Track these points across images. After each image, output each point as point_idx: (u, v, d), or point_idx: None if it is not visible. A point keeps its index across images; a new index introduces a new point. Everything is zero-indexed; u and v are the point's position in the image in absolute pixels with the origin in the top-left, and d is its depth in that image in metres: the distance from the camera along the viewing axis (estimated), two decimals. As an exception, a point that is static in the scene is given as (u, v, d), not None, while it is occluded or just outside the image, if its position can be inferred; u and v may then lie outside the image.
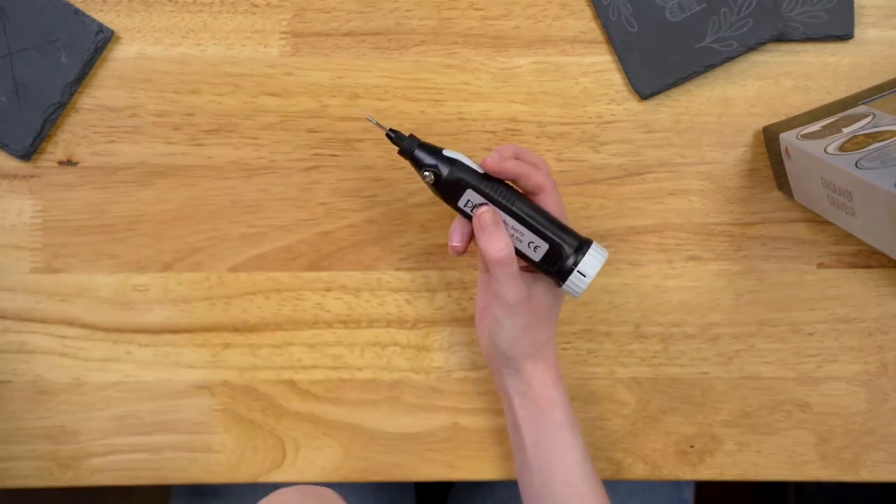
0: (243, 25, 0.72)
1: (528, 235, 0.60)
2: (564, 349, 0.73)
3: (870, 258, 0.72)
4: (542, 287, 0.63)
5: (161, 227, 0.72)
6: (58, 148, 0.72)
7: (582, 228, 0.72)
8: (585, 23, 0.72)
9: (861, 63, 0.71)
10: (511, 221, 0.60)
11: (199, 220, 0.73)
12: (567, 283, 0.60)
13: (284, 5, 0.72)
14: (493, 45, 0.72)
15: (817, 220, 0.72)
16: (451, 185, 0.60)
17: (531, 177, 0.60)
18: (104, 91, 0.72)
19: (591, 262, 0.60)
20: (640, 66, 0.71)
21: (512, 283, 0.60)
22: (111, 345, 0.73)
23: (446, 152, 0.60)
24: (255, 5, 0.72)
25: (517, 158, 0.61)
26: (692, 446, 0.73)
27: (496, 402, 0.73)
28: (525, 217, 0.60)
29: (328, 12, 0.72)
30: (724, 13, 0.70)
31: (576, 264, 0.60)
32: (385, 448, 0.73)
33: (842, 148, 0.61)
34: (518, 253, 0.61)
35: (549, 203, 0.61)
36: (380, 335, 0.73)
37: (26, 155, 0.70)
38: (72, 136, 0.72)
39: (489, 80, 0.72)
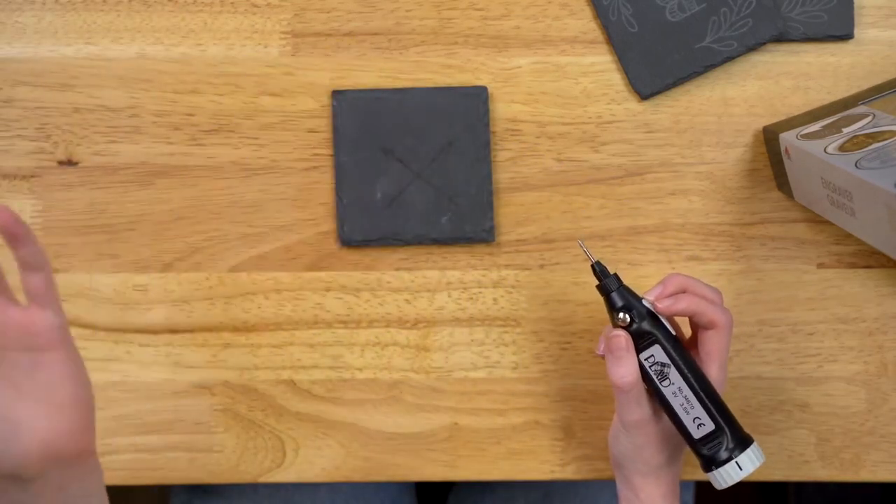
0: (243, 25, 0.72)
1: (698, 410, 0.59)
2: (564, 349, 0.73)
3: (870, 258, 0.72)
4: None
5: (161, 227, 0.72)
6: (58, 148, 0.72)
7: (582, 228, 0.72)
8: (585, 23, 0.72)
9: (861, 63, 0.71)
10: (686, 391, 0.59)
11: (199, 220, 0.73)
12: (716, 472, 0.59)
13: (284, 5, 0.72)
14: (493, 45, 0.72)
15: (817, 220, 0.72)
16: (641, 335, 0.60)
17: (704, 314, 0.60)
18: (104, 91, 0.72)
19: (751, 459, 0.59)
20: (640, 66, 0.71)
21: (630, 407, 0.60)
22: (111, 345, 0.73)
23: (645, 303, 0.60)
24: (255, 5, 0.72)
25: (685, 291, 0.60)
26: (692, 446, 0.73)
27: (496, 402, 0.73)
28: (700, 393, 0.59)
29: (328, 12, 0.72)
30: (723, 13, 0.70)
31: (731, 458, 0.59)
32: (385, 448, 0.73)
33: (842, 148, 0.61)
34: (675, 420, 0.60)
35: (717, 343, 0.60)
36: (380, 335, 0.73)
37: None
38: (72, 136, 0.72)
39: (489, 80, 0.72)
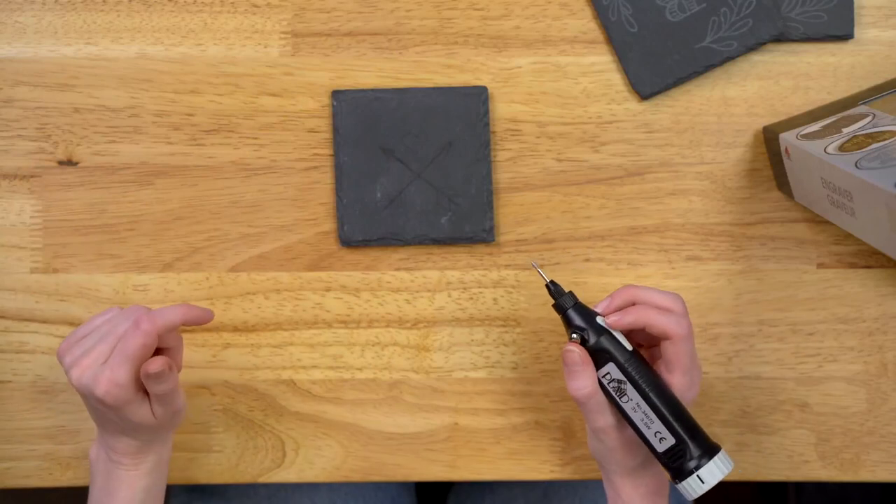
0: (243, 25, 0.72)
1: (657, 425, 0.59)
2: (564, 349, 0.73)
3: (870, 258, 0.72)
4: None
5: (161, 227, 0.72)
6: (58, 148, 0.72)
7: (582, 228, 0.72)
8: (585, 23, 0.72)
9: (861, 63, 0.71)
10: (644, 407, 0.59)
11: (199, 220, 0.73)
12: (682, 484, 0.59)
13: (284, 5, 0.72)
14: (493, 45, 0.72)
15: (817, 220, 0.72)
16: (595, 353, 0.60)
17: (655, 325, 0.59)
18: (104, 91, 0.72)
19: (713, 471, 0.59)
20: (640, 66, 0.71)
21: (594, 416, 0.60)
22: (111, 345, 0.73)
23: (599, 320, 0.60)
24: (255, 5, 0.72)
25: (635, 303, 0.60)
26: (692, 446, 0.73)
27: (496, 402, 0.73)
28: (659, 406, 0.59)
29: (328, 12, 0.72)
30: (723, 13, 0.70)
31: (697, 468, 0.59)
32: (385, 448, 0.73)
33: (842, 148, 0.61)
34: (638, 433, 0.60)
35: (675, 353, 0.60)
36: (380, 335, 0.73)
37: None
38: (72, 136, 0.72)
39: (489, 80, 0.72)
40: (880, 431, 0.73)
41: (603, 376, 0.60)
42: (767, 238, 0.72)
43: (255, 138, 0.72)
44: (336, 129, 0.71)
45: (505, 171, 0.72)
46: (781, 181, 0.70)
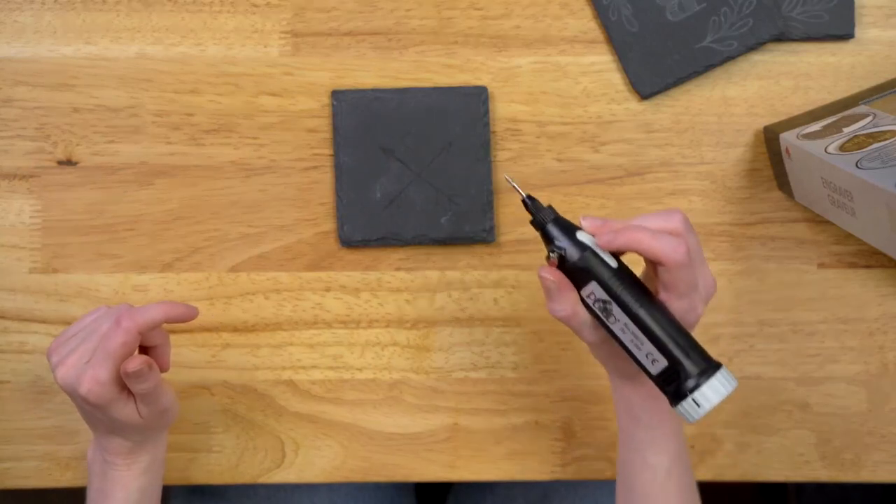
0: (243, 25, 0.72)
1: (648, 346, 0.54)
2: (564, 349, 0.73)
3: (870, 258, 0.72)
4: None
5: (161, 227, 0.72)
6: (57, 148, 0.72)
7: (582, 228, 0.72)
8: (585, 23, 0.72)
9: (861, 63, 0.71)
10: (632, 328, 0.54)
11: (199, 220, 0.73)
12: (680, 406, 0.54)
13: (284, 5, 0.72)
14: (493, 45, 0.72)
15: (817, 220, 0.72)
16: (576, 271, 0.55)
17: (649, 250, 0.53)
18: (104, 91, 0.72)
19: (711, 394, 0.53)
20: (640, 66, 0.71)
21: (582, 333, 0.57)
22: (111, 345, 0.73)
23: (580, 235, 0.55)
24: (255, 5, 0.72)
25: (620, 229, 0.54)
26: (692, 446, 0.73)
27: (496, 402, 0.73)
28: (649, 326, 0.54)
29: (328, 12, 0.72)
30: (724, 13, 0.70)
31: (693, 390, 0.53)
32: (385, 448, 0.73)
33: (842, 148, 0.61)
34: (631, 356, 0.55)
35: (672, 279, 0.54)
36: (380, 335, 0.73)
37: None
38: (72, 136, 0.72)
39: (489, 80, 0.72)
40: (881, 432, 0.72)
41: (587, 296, 0.55)
42: (768, 238, 0.72)
43: (255, 138, 0.72)
44: (336, 129, 0.71)
45: (505, 171, 0.72)
46: (782, 181, 0.70)
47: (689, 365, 0.54)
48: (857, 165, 0.59)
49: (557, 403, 0.73)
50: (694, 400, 0.53)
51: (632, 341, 0.55)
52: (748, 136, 0.72)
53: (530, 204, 0.56)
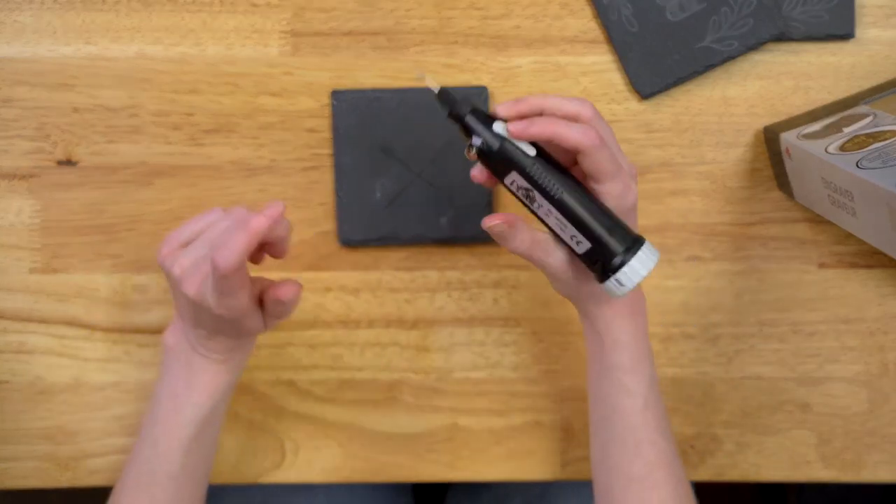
0: (243, 25, 0.72)
1: (571, 229, 0.56)
2: (564, 349, 0.73)
3: (870, 258, 0.72)
4: None
5: (160, 227, 0.72)
6: (57, 148, 0.72)
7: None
8: (585, 22, 0.72)
9: (861, 63, 0.71)
10: (554, 212, 0.56)
11: (199, 220, 0.72)
12: (606, 284, 0.56)
13: (284, 5, 0.72)
14: (493, 45, 0.72)
15: (818, 220, 0.72)
16: (497, 162, 0.55)
17: (565, 139, 0.54)
18: (104, 91, 0.72)
19: (635, 268, 0.55)
20: (640, 65, 0.71)
21: (545, 261, 0.58)
22: (110, 345, 0.73)
23: (497, 126, 0.55)
24: (254, 5, 0.72)
25: (542, 113, 0.55)
26: (692, 447, 0.73)
27: (496, 402, 0.73)
28: (571, 209, 0.55)
29: (328, 12, 0.72)
30: (724, 13, 0.70)
31: (619, 267, 0.55)
32: (384, 448, 0.73)
33: (842, 148, 0.61)
34: (558, 239, 0.57)
35: (593, 164, 0.55)
36: (380, 335, 0.73)
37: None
38: (71, 137, 0.72)
39: (489, 80, 0.72)
40: (881, 432, 0.72)
41: (510, 184, 0.56)
42: (768, 238, 0.72)
43: (255, 138, 0.72)
44: (336, 129, 0.71)
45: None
46: (782, 181, 0.70)
47: (612, 243, 0.55)
48: (857, 165, 0.59)
49: (557, 403, 0.73)
50: (617, 279, 0.56)
51: (556, 224, 0.56)
52: (748, 136, 0.72)
53: (446, 98, 0.56)
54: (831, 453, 0.73)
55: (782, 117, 0.72)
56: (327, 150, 0.72)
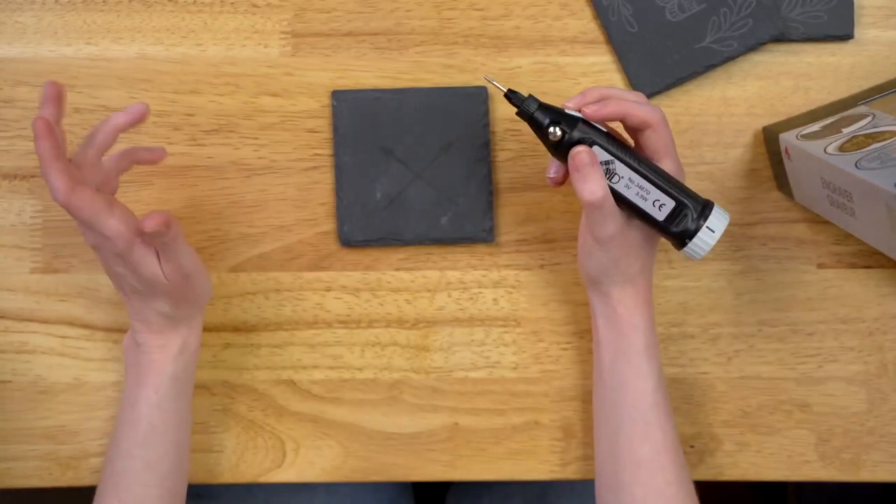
0: (243, 25, 0.72)
1: (655, 193, 0.59)
2: (564, 349, 0.73)
3: (870, 258, 0.72)
4: (638, 221, 0.62)
5: (161, 227, 0.72)
6: (58, 148, 0.72)
7: (582, 228, 0.72)
8: (585, 23, 0.72)
9: (861, 63, 0.71)
10: (637, 179, 0.59)
11: (199, 221, 0.73)
12: (691, 244, 0.60)
13: (284, 5, 0.72)
14: (493, 45, 0.72)
15: (817, 221, 0.72)
16: (576, 143, 0.59)
17: (634, 115, 0.59)
18: (104, 91, 0.72)
19: (717, 223, 0.60)
20: (640, 66, 0.71)
21: (605, 222, 0.60)
22: (111, 345, 0.73)
23: (568, 110, 0.60)
24: (255, 5, 0.72)
25: (607, 98, 0.60)
26: (692, 446, 0.73)
27: (496, 402, 0.73)
28: (650, 176, 0.59)
29: (328, 12, 0.72)
30: (723, 13, 0.70)
31: (700, 225, 0.59)
32: (385, 448, 0.73)
33: (842, 148, 0.61)
34: (637, 212, 0.60)
35: (659, 140, 0.60)
36: (380, 335, 0.73)
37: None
38: (72, 137, 0.72)
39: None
40: (880, 431, 0.73)
41: None
42: (767, 238, 0.72)
43: (255, 138, 0.72)
44: (336, 129, 0.71)
45: (505, 171, 0.72)
46: (781, 181, 0.70)
47: (691, 203, 0.60)
48: (856, 165, 0.59)
49: (557, 403, 0.73)
50: (709, 227, 0.59)
51: (637, 194, 0.60)
52: (748, 137, 0.72)
53: (513, 97, 0.60)
54: (830, 453, 0.73)
55: (782, 118, 0.72)
56: (327, 151, 0.72)
